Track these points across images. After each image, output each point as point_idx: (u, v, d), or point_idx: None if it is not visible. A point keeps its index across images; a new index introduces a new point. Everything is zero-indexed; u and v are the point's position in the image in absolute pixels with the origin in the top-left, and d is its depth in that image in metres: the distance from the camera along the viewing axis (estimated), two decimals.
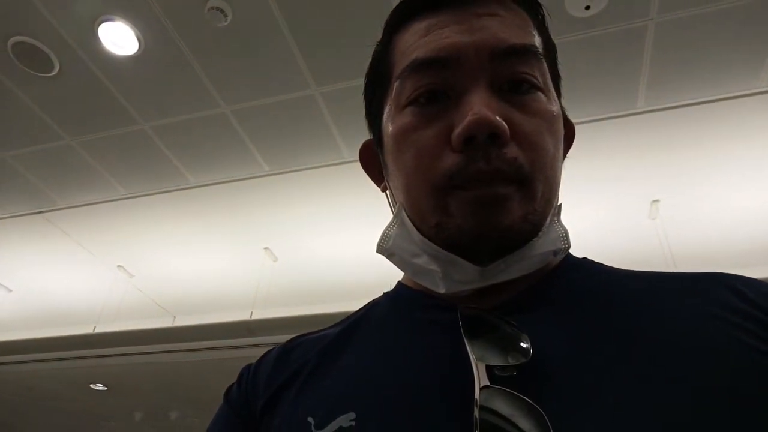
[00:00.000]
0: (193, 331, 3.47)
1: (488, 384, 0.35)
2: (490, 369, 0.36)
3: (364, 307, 0.55)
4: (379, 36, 0.53)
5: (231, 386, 0.54)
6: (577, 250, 0.48)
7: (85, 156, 2.85)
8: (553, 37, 0.51)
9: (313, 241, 3.42)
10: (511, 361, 0.37)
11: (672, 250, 3.08)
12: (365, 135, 0.57)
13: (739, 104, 2.33)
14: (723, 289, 0.41)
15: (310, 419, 0.41)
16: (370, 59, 0.54)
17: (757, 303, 0.39)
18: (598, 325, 0.39)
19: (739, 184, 2.77)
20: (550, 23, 0.51)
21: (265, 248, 3.50)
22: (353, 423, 0.39)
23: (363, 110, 0.57)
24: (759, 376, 0.34)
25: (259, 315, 3.48)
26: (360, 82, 0.54)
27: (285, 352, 0.52)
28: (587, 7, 1.97)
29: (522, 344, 0.38)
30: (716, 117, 2.41)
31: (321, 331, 0.54)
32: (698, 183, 2.79)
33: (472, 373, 0.36)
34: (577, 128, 0.53)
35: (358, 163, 0.57)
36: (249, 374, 0.53)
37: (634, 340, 0.37)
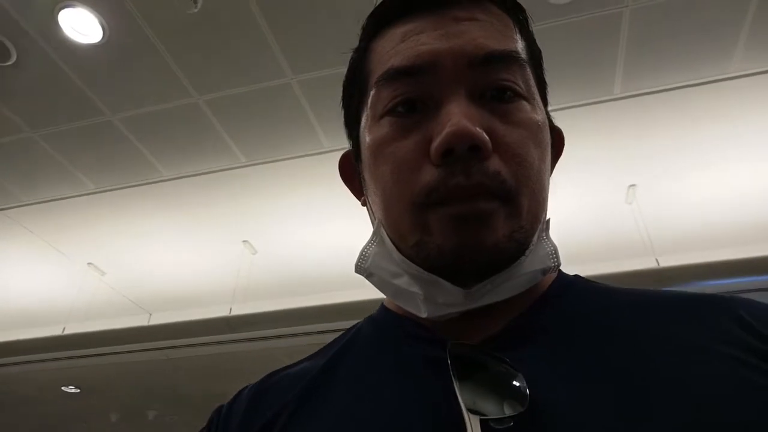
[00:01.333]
0: (170, 329, 3.39)
1: None
2: (484, 422, 0.33)
3: (347, 332, 0.52)
4: (357, 26, 0.50)
5: (201, 431, 0.50)
6: (554, 237, 0.46)
7: (49, 150, 2.73)
8: (530, 24, 0.48)
9: (293, 233, 3.37)
10: (507, 411, 0.34)
11: (650, 234, 3.15)
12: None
13: (714, 89, 2.38)
14: (729, 320, 0.39)
15: None
16: (347, 47, 0.52)
17: (761, 334, 0.37)
18: (598, 363, 0.37)
19: (715, 167, 2.84)
20: (528, 10, 0.49)
21: (244, 241, 3.44)
22: None
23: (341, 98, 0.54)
24: (759, 414, 0.32)
25: (238, 310, 3.43)
26: (338, 69, 0.51)
27: (260, 392, 0.48)
28: None
29: (517, 386, 0.35)
30: (691, 102, 2.46)
31: (300, 363, 0.51)
32: (674, 167, 2.85)
33: (465, 426, 0.33)
34: (553, 115, 0.50)
35: (339, 153, 0.54)
36: (219, 420, 0.49)
37: (637, 384, 0.35)
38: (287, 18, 2.09)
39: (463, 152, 0.38)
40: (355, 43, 0.51)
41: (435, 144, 0.39)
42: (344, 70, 0.54)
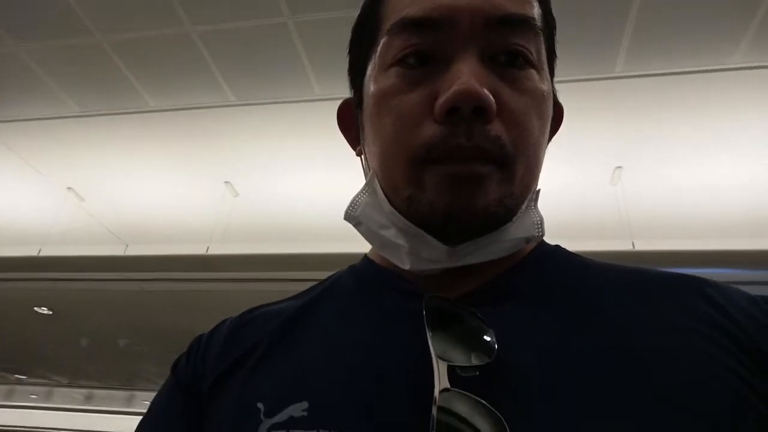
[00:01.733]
0: (145, 261, 3.41)
1: (448, 387, 0.34)
2: (452, 368, 0.35)
3: (327, 279, 0.53)
4: None
5: (180, 357, 0.51)
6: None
7: (33, 65, 2.63)
8: None
9: (277, 179, 3.34)
10: (474, 361, 0.36)
11: (629, 217, 3.20)
12: (340, 72, 0.54)
13: (714, 78, 2.36)
14: (697, 297, 0.40)
15: (260, 405, 0.39)
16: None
17: (733, 317, 0.38)
18: (567, 326, 0.39)
19: (704, 157, 2.86)
20: None
21: (226, 182, 3.41)
22: (305, 413, 0.37)
23: (339, 45, 0.54)
24: (730, 396, 0.34)
25: (215, 250, 3.44)
26: (338, 14, 0.50)
27: (239, 325, 0.50)
28: None
29: (487, 340, 0.37)
30: (689, 89, 2.45)
31: (279, 303, 0.52)
32: (663, 154, 2.86)
33: (433, 371, 0.35)
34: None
35: (330, 102, 0.54)
36: (199, 347, 0.50)
37: (603, 347, 0.36)
38: None
39: (467, 112, 0.38)
40: None
41: (440, 101, 0.39)
42: (343, 15, 0.53)
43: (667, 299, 0.40)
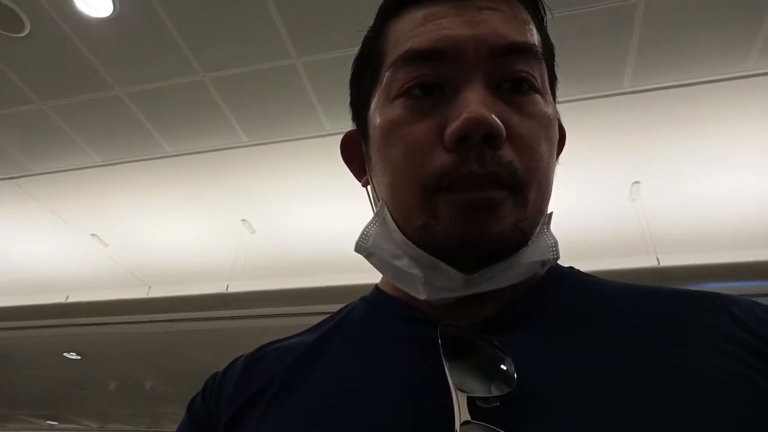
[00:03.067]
0: (168, 302, 3.45)
1: (469, 419, 0.33)
2: (471, 399, 0.34)
3: (339, 312, 0.53)
4: (365, 9, 0.51)
5: (195, 397, 0.51)
6: (555, 230, 0.47)
7: (58, 121, 2.77)
8: (545, 11, 0.49)
9: (291, 214, 3.39)
10: (494, 391, 0.35)
11: (651, 233, 3.12)
12: (347, 108, 0.54)
13: (726, 87, 2.33)
14: (719, 315, 0.39)
15: None
16: (352, 31, 0.53)
17: (756, 331, 0.38)
18: (586, 350, 0.38)
19: (721, 167, 2.79)
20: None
21: (243, 220, 3.47)
22: None
23: (345, 82, 0.54)
24: (756, 414, 0.33)
25: (235, 288, 3.47)
26: (343, 53, 0.52)
27: (253, 362, 0.50)
28: None
29: (506, 369, 0.36)
30: (702, 100, 2.41)
31: (292, 338, 0.52)
32: (680, 166, 2.80)
33: (452, 403, 0.34)
34: (561, 107, 0.51)
35: (339, 136, 0.54)
36: (214, 386, 0.50)
37: (624, 371, 0.35)
38: (294, 0, 2.10)
39: (477, 139, 0.38)
40: (360, 27, 0.51)
41: (451, 129, 0.39)
42: (348, 53, 0.53)
43: (687, 318, 0.39)
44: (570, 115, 0.52)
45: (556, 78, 0.50)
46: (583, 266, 0.55)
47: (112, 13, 2.17)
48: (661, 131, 2.60)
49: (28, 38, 2.30)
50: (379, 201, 0.48)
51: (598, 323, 0.40)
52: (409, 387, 0.39)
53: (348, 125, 0.54)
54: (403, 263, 0.44)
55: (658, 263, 3.06)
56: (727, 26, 2.07)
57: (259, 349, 0.52)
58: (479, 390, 0.35)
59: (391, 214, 0.45)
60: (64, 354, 4.86)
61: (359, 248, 0.48)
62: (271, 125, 2.70)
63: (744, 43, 2.13)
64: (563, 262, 0.48)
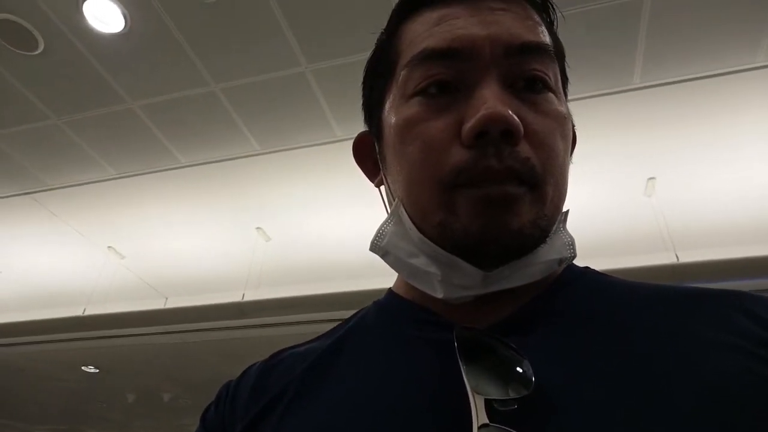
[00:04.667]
0: (185, 312, 3.47)
1: (487, 422, 0.33)
2: (488, 402, 0.34)
3: (353, 317, 0.52)
4: (371, 16, 0.52)
5: (209, 406, 0.51)
6: (571, 229, 0.47)
7: (73, 136, 2.81)
8: (554, 14, 0.50)
9: (305, 221, 3.40)
10: (512, 393, 0.34)
11: (669, 229, 3.08)
12: (357, 113, 0.55)
13: (737, 80, 2.31)
14: (736, 312, 0.39)
15: None
16: (362, 37, 0.54)
17: None
18: (602, 351, 0.37)
19: (736, 160, 2.76)
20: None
21: (258, 228, 3.49)
22: None
23: (355, 87, 0.54)
24: None
25: (251, 296, 3.48)
26: (351, 59, 0.53)
27: (267, 369, 0.49)
28: None
29: (523, 371, 0.36)
30: (713, 93, 2.39)
31: (306, 344, 0.51)
32: (694, 160, 2.78)
33: (469, 406, 0.34)
34: (572, 105, 0.52)
35: (350, 142, 0.55)
36: (227, 395, 0.50)
37: (642, 370, 0.35)
38: (302, 8, 2.11)
39: (495, 135, 0.39)
40: (367, 33, 0.52)
41: (468, 125, 0.39)
42: (357, 59, 0.55)
43: (704, 315, 0.39)
44: (581, 112, 0.52)
45: (567, 79, 0.50)
46: (600, 264, 0.54)
47: (124, 28, 2.20)
48: (673, 126, 2.58)
49: (43, 55, 2.34)
50: (393, 201, 0.48)
51: (615, 323, 0.40)
52: (426, 391, 0.38)
53: (359, 129, 0.54)
54: (420, 261, 0.44)
55: (677, 260, 3.02)
56: (735, 19, 2.05)
57: (272, 357, 0.51)
58: (497, 393, 0.34)
59: (407, 212, 0.45)
60: (82, 367, 4.90)
61: (374, 247, 0.47)
62: (283, 133, 2.72)
63: (752, 36, 2.12)
64: (580, 261, 0.48)
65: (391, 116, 0.46)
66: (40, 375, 5.18)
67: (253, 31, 2.21)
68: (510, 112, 0.39)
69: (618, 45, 2.19)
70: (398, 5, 0.49)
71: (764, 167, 2.79)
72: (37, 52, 2.33)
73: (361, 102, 0.54)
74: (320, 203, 3.23)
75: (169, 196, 3.26)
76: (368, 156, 0.53)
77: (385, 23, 0.51)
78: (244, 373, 0.51)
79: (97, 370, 4.96)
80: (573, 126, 0.50)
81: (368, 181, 0.55)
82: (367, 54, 0.53)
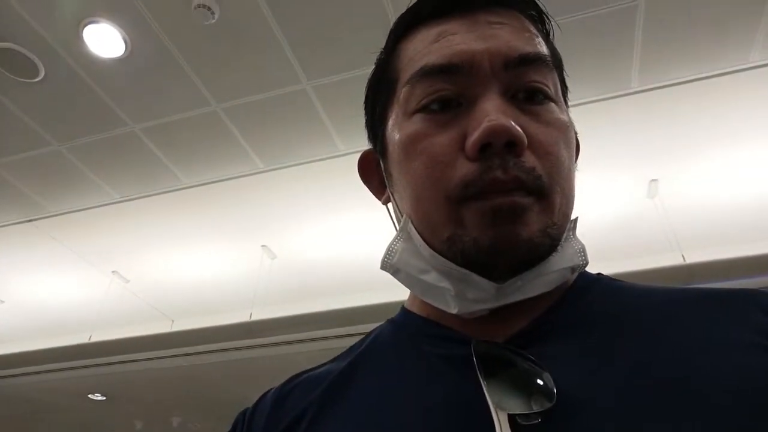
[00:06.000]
0: (192, 335, 3.44)
1: None
2: (512, 417, 0.33)
3: (368, 336, 0.52)
4: (371, 31, 0.53)
5: None
6: (578, 234, 0.47)
7: (74, 161, 2.81)
8: (550, 24, 0.51)
9: (311, 237, 3.40)
10: (535, 407, 0.34)
11: (674, 230, 3.08)
12: (360, 127, 0.55)
13: (733, 80, 2.34)
14: (754, 309, 0.39)
15: None
16: (358, 54, 0.55)
17: None
18: (623, 358, 0.37)
19: (738, 158, 2.78)
20: (542, 5, 0.51)
21: (263, 246, 3.47)
22: None
23: (356, 101, 0.55)
24: None
25: (258, 315, 3.46)
26: (352, 74, 0.53)
27: (283, 395, 0.49)
28: None
29: (544, 384, 0.35)
30: (710, 94, 2.42)
31: (321, 366, 0.51)
32: (695, 160, 2.80)
33: (492, 423, 0.33)
34: (571, 111, 0.52)
35: (354, 156, 0.56)
36: (244, 423, 0.50)
37: (663, 376, 0.35)
38: (301, 27, 2.13)
39: (500, 147, 0.39)
40: (366, 50, 0.53)
41: (472, 138, 0.40)
42: (357, 74, 0.55)
43: (721, 315, 0.39)
44: (581, 117, 0.53)
45: (566, 88, 0.51)
46: (608, 268, 0.54)
47: (124, 52, 2.22)
48: (673, 128, 2.60)
49: (43, 82, 2.36)
50: (401, 217, 0.48)
51: (632, 330, 0.40)
52: (447, 408, 0.38)
53: (361, 143, 0.55)
54: (432, 277, 0.44)
55: (684, 260, 3.01)
56: (728, 21, 2.09)
57: (288, 381, 0.51)
58: (519, 407, 0.34)
59: (416, 228, 0.45)
60: (89, 395, 4.85)
61: (385, 265, 0.47)
62: (286, 149, 2.73)
63: (745, 36, 2.15)
64: (588, 267, 0.48)
65: (394, 133, 0.46)
66: (47, 405, 5.13)
67: (253, 50, 2.23)
68: (512, 123, 0.39)
69: (615, 51, 2.22)
70: (395, 24, 0.50)
71: (762, 163, 2.80)
72: (37, 79, 2.34)
73: (365, 121, 0.55)
74: (326, 218, 3.23)
75: (173, 218, 3.26)
76: (374, 174, 0.54)
77: (384, 38, 0.51)
78: (260, 399, 0.51)
79: (105, 398, 4.91)
80: (576, 133, 0.50)
81: (372, 194, 0.56)
82: (367, 68, 0.54)
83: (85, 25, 2.11)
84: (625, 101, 2.44)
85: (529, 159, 0.40)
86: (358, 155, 0.55)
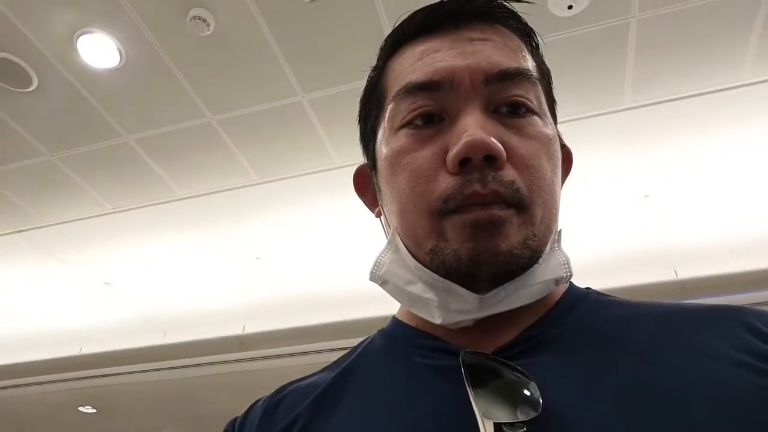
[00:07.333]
0: (184, 347, 3.41)
1: None
2: (498, 426, 0.34)
3: (358, 346, 0.53)
4: (365, 45, 0.54)
5: None
6: (568, 249, 0.47)
7: (67, 171, 2.79)
8: (536, 37, 0.52)
9: (305, 249, 3.38)
10: (520, 416, 0.35)
11: (667, 245, 3.09)
12: (355, 139, 0.56)
13: (725, 96, 2.36)
14: (740, 327, 0.40)
15: None
16: (354, 66, 0.56)
17: None
18: (610, 372, 0.38)
19: (730, 175, 2.80)
20: (534, 23, 0.51)
21: (257, 258, 3.45)
22: None
23: (351, 114, 0.56)
24: None
25: (252, 328, 3.43)
26: (347, 87, 0.53)
27: (273, 404, 0.49)
28: (570, 7, 1.99)
29: (530, 394, 0.36)
30: (703, 110, 2.44)
31: (312, 376, 0.52)
32: (688, 176, 2.82)
33: (479, 431, 0.34)
34: (563, 126, 0.53)
35: (349, 169, 0.57)
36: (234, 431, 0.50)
37: (649, 389, 0.36)
38: (297, 39, 2.13)
39: (479, 161, 0.40)
40: (362, 63, 0.54)
41: (452, 153, 0.40)
42: (351, 87, 0.56)
43: (708, 332, 0.40)
44: (574, 132, 0.52)
45: (554, 100, 0.51)
46: (600, 284, 0.55)
47: (119, 63, 2.21)
48: (666, 144, 2.62)
49: (36, 92, 2.35)
50: (390, 229, 0.49)
51: (619, 343, 0.40)
52: (435, 418, 0.39)
53: (356, 156, 0.56)
54: (417, 288, 0.45)
55: (677, 276, 3.02)
56: (719, 38, 2.12)
57: (278, 391, 0.51)
58: (505, 416, 0.35)
59: (402, 241, 0.46)
60: (80, 408, 4.79)
61: (374, 277, 0.48)
62: (281, 162, 2.72)
63: (737, 53, 2.18)
64: (580, 282, 0.49)
65: (382, 148, 0.48)
66: (36, 418, 5.06)
67: (248, 62, 2.23)
68: (491, 138, 0.40)
69: (608, 67, 2.24)
70: (384, 43, 0.52)
71: (757, 179, 2.82)
72: (30, 89, 2.33)
73: (359, 135, 0.56)
74: (320, 231, 3.22)
75: (166, 229, 3.23)
76: (367, 187, 0.55)
77: (378, 50, 0.53)
78: (250, 408, 0.51)
79: (95, 411, 4.84)
80: (565, 146, 0.51)
81: (366, 207, 0.57)
82: (363, 82, 0.55)
83: (80, 35, 2.10)
84: (618, 117, 2.46)
85: (509, 172, 0.41)
86: (353, 168, 0.57)
